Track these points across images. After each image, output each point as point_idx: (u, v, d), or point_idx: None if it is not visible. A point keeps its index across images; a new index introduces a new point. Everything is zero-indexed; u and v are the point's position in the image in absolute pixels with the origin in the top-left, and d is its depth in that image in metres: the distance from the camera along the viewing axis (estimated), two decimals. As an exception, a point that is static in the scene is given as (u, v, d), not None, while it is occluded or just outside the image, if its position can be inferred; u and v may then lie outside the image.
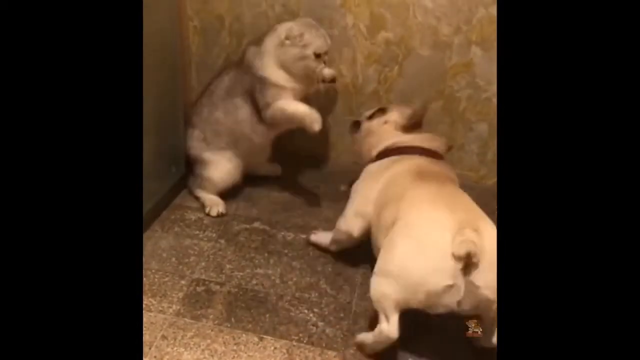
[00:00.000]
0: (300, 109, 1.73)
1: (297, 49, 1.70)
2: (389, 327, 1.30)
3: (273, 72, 1.76)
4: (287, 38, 1.71)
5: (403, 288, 1.27)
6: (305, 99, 1.83)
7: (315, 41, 1.71)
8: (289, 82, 1.76)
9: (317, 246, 1.76)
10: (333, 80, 1.85)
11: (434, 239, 1.25)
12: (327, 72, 1.79)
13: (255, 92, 1.79)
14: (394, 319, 1.30)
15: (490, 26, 1.83)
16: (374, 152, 1.70)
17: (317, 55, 1.71)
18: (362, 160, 1.76)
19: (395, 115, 1.72)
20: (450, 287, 1.21)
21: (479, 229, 1.23)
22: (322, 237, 1.75)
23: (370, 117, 1.78)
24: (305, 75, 1.75)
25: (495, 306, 1.22)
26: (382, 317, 1.32)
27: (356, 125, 1.83)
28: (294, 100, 1.76)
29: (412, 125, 1.69)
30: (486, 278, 1.20)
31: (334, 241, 1.70)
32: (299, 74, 1.75)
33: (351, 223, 1.59)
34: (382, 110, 1.77)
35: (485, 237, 1.22)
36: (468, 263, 1.19)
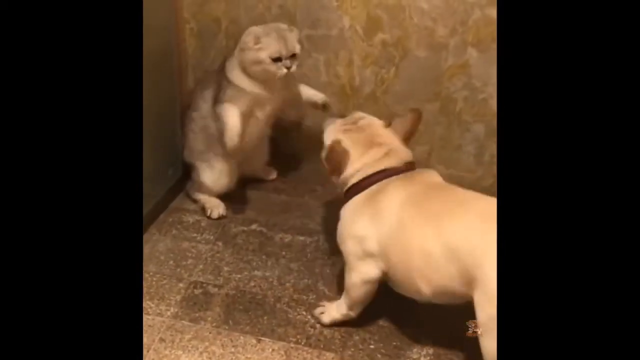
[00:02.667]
0: (230, 121, 1.73)
1: (253, 52, 1.70)
2: None
3: (237, 75, 1.76)
4: (244, 43, 1.71)
5: None
6: (280, 109, 1.87)
7: (272, 45, 1.68)
8: (252, 86, 1.76)
9: (336, 324, 1.51)
10: (324, 106, 1.85)
11: None
12: (315, 95, 1.85)
13: (220, 90, 1.80)
14: None
15: (486, 28, 1.83)
16: (345, 187, 1.51)
17: (275, 60, 1.69)
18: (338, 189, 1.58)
19: (357, 137, 1.53)
20: None
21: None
22: (334, 311, 1.50)
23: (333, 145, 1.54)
24: (267, 79, 1.74)
25: None
26: None
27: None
28: (239, 112, 1.75)
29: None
30: None
31: (353, 304, 1.47)
32: (261, 78, 1.74)
33: (365, 268, 1.40)
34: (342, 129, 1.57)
35: None
36: None
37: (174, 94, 1.99)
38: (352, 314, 1.47)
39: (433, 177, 1.48)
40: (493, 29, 1.81)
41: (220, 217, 1.91)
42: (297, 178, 2.17)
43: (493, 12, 1.80)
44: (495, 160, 1.99)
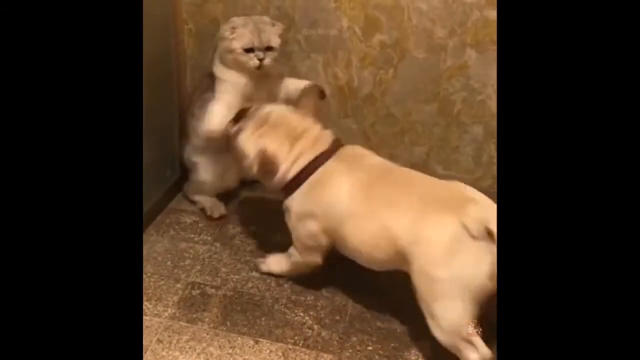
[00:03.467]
0: (214, 108, 1.74)
1: (227, 41, 1.71)
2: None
3: (220, 69, 1.77)
4: (222, 32, 1.73)
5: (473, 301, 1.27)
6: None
7: (245, 36, 1.69)
8: (235, 78, 1.76)
9: (271, 274, 1.66)
10: (321, 92, 1.82)
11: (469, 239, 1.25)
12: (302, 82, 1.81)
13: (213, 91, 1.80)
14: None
15: (484, 29, 1.83)
16: (282, 183, 1.51)
17: (248, 50, 1.69)
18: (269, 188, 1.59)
19: (280, 132, 1.51)
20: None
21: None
22: (274, 265, 1.65)
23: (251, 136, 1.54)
24: (242, 70, 1.73)
25: None
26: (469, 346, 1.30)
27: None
28: (227, 104, 1.74)
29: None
30: None
31: (292, 271, 1.62)
32: (235, 69, 1.74)
33: (311, 257, 1.54)
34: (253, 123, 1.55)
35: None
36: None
37: (173, 94, 1.99)
38: (289, 275, 1.64)
39: (364, 154, 1.52)
40: (492, 30, 1.81)
41: (221, 217, 1.91)
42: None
43: (492, 14, 1.80)
44: (493, 161, 1.99)
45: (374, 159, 1.50)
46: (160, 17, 1.86)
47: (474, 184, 2.01)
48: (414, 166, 2.05)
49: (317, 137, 1.51)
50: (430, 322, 1.32)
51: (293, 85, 1.84)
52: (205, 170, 1.91)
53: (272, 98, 1.81)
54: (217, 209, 1.92)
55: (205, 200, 1.95)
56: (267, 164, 1.48)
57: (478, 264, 1.23)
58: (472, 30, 1.85)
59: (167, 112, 1.96)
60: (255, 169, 1.51)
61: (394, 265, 1.39)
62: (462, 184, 1.39)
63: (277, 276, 1.66)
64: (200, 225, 1.89)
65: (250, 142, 1.51)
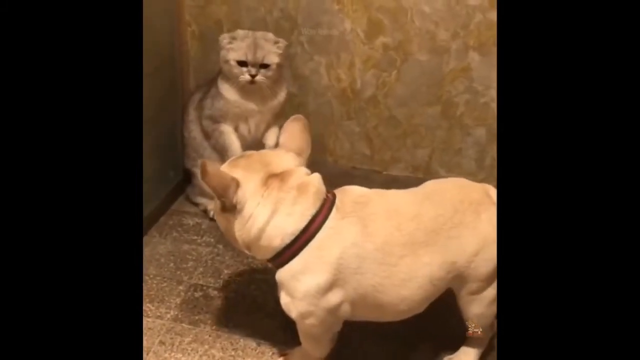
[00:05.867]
0: (232, 146, 1.76)
1: (224, 51, 1.71)
2: None
3: (222, 83, 1.76)
4: (221, 39, 1.72)
5: None
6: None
7: (240, 50, 1.68)
8: (234, 95, 1.75)
9: None
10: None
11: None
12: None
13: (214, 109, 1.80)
14: None
15: (487, 31, 1.83)
16: (273, 251, 1.19)
17: (241, 64, 1.68)
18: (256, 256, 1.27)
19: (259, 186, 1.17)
20: None
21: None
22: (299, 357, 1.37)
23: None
24: (235, 83, 1.72)
25: None
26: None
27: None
28: (233, 129, 1.78)
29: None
30: None
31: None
32: (231, 81, 1.73)
33: (326, 347, 1.31)
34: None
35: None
36: None
37: (176, 96, 2.00)
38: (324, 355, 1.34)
39: (362, 191, 1.25)
40: (495, 33, 1.81)
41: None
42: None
43: (495, 16, 1.80)
44: (496, 163, 1.99)
45: (377, 200, 1.23)
46: (164, 19, 1.87)
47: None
48: (416, 169, 2.07)
49: (305, 186, 1.18)
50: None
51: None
52: None
53: (264, 121, 1.80)
54: None
55: (208, 202, 1.95)
56: (217, 186, 1.14)
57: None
58: (475, 33, 1.85)
59: (170, 114, 1.96)
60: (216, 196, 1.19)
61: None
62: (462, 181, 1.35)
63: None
64: (203, 227, 1.90)
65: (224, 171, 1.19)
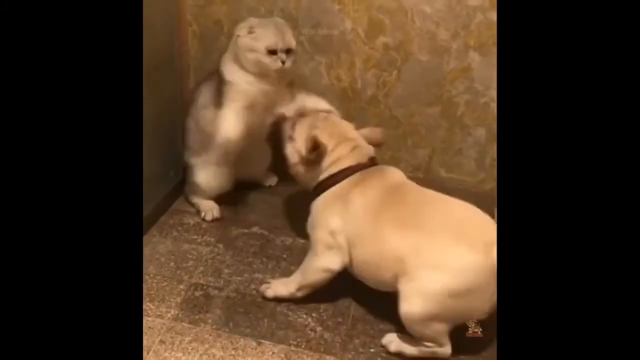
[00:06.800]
0: (229, 116, 1.71)
1: (247, 40, 1.67)
2: (448, 349, 1.39)
3: (229, 68, 1.74)
4: (239, 30, 1.70)
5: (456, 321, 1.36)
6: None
7: (268, 36, 1.66)
8: (247, 81, 1.72)
9: (278, 299, 1.57)
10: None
11: (472, 276, 1.29)
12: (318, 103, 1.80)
13: (221, 96, 1.76)
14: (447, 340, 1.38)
15: (488, 31, 1.84)
16: (313, 182, 1.58)
17: (271, 52, 1.66)
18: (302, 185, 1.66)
19: (324, 134, 1.56)
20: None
21: (490, 242, 1.26)
22: (281, 287, 1.57)
23: (290, 138, 1.62)
24: (261, 71, 1.70)
25: None
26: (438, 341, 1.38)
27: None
28: (241, 108, 1.72)
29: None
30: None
31: (303, 285, 1.54)
32: (253, 70, 1.71)
33: (329, 259, 1.48)
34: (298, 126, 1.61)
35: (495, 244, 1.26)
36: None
37: (176, 96, 2.00)
38: (299, 294, 1.55)
39: (395, 175, 1.55)
40: (495, 33, 1.81)
41: (214, 220, 1.90)
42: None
43: (495, 16, 1.80)
44: (496, 163, 1.99)
45: (400, 180, 1.54)
46: (164, 19, 1.87)
47: (477, 186, 2.03)
48: (416, 168, 2.07)
49: (359, 147, 1.57)
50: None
51: (311, 101, 1.81)
52: (200, 173, 1.91)
53: (273, 107, 1.78)
54: (211, 211, 1.91)
55: (201, 203, 1.94)
56: (315, 151, 1.52)
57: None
58: (475, 33, 1.85)
59: (170, 114, 1.96)
60: (302, 152, 1.56)
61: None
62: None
63: (287, 300, 1.57)
64: (203, 226, 1.90)
65: (303, 129, 1.58)
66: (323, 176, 1.55)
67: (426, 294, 1.30)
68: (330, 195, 1.53)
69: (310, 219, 1.56)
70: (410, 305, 1.32)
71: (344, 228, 1.46)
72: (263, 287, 1.59)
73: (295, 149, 1.59)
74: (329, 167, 1.55)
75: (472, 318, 1.35)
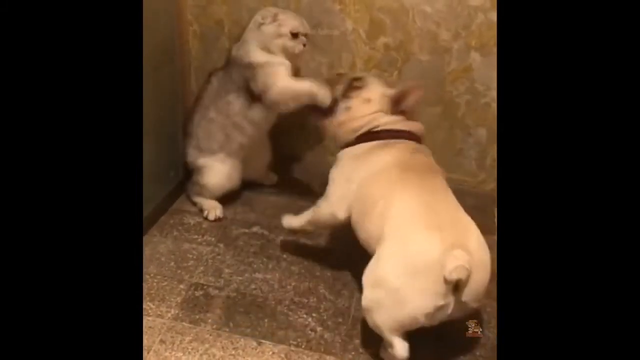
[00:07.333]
0: (306, 86, 1.73)
1: (273, 27, 1.75)
2: (397, 350, 1.32)
3: (258, 54, 1.78)
4: (262, 19, 1.77)
5: (395, 313, 1.29)
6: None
7: (290, 21, 1.75)
8: (277, 59, 1.78)
9: (293, 231, 1.74)
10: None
11: (425, 262, 1.23)
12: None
13: (249, 81, 1.79)
14: (397, 340, 1.32)
15: (489, 32, 1.84)
16: (353, 135, 1.60)
17: (294, 35, 1.75)
18: (337, 142, 1.67)
19: (378, 94, 1.61)
20: (442, 307, 1.24)
21: (468, 247, 1.23)
22: (294, 220, 1.69)
23: (346, 94, 1.65)
24: (285, 55, 1.78)
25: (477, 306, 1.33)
26: (387, 343, 1.35)
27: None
28: (292, 77, 1.79)
29: (398, 108, 1.58)
30: (473, 292, 1.25)
31: (311, 222, 1.64)
32: (280, 54, 1.78)
33: (337, 206, 1.54)
34: (357, 85, 1.64)
35: (474, 251, 1.24)
36: (459, 284, 1.21)
37: (177, 96, 2.00)
38: (309, 228, 1.69)
39: (428, 156, 1.58)
40: (496, 33, 1.81)
41: (217, 219, 1.91)
42: (298, 180, 2.17)
43: (496, 17, 1.80)
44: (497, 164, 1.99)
45: (427, 160, 1.57)
46: (165, 19, 1.87)
47: (477, 187, 2.03)
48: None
49: (411, 120, 1.59)
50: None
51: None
52: (211, 173, 1.92)
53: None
54: (214, 211, 1.92)
55: (204, 202, 1.95)
56: (400, 102, 1.56)
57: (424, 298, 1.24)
58: (476, 33, 1.85)
59: (171, 113, 1.96)
60: (347, 94, 1.61)
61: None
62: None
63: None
64: (203, 226, 1.90)
65: (377, 85, 1.63)
66: (368, 128, 1.58)
67: (379, 259, 1.32)
68: (365, 148, 1.55)
69: (336, 167, 1.60)
70: (369, 267, 1.34)
71: (358, 178, 1.50)
72: (283, 216, 1.71)
73: (369, 96, 1.60)
74: (370, 122, 1.58)
75: (413, 315, 1.27)
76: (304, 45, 1.77)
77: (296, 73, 1.83)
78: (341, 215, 1.53)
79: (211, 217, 1.91)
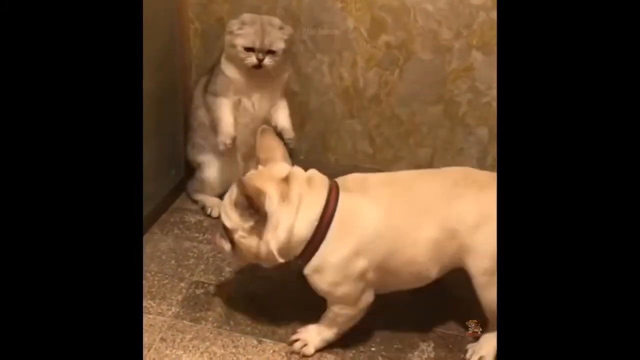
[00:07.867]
0: (222, 114, 1.78)
1: (232, 36, 1.74)
2: None
3: (224, 63, 1.80)
4: (231, 26, 1.76)
5: None
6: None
7: (247, 36, 1.72)
8: (236, 74, 1.79)
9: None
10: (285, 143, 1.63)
11: None
12: (285, 127, 1.83)
13: (213, 84, 1.83)
14: None
15: (490, 31, 1.83)
16: (299, 247, 1.30)
17: (248, 49, 1.72)
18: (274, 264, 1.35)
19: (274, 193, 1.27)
20: None
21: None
22: (318, 340, 1.42)
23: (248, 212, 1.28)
24: (240, 66, 1.77)
25: None
26: None
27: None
28: (229, 102, 1.80)
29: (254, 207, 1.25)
30: None
31: (341, 333, 1.42)
32: (237, 64, 1.77)
33: (365, 300, 1.35)
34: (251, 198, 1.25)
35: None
36: None
37: (178, 94, 2.00)
38: (339, 337, 1.42)
39: (363, 176, 1.39)
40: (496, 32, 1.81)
41: (219, 216, 1.90)
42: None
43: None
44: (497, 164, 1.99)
45: (374, 176, 1.40)
46: (166, 17, 1.87)
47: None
48: (418, 168, 2.06)
49: (309, 179, 1.33)
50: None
51: (283, 119, 1.86)
52: (210, 169, 1.92)
53: (267, 97, 1.84)
54: (217, 208, 1.92)
55: (206, 199, 1.95)
56: (253, 196, 1.23)
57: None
58: (478, 32, 1.85)
59: (172, 112, 1.96)
60: (239, 205, 1.27)
61: (451, 266, 1.36)
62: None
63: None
64: (204, 224, 1.90)
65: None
66: (304, 234, 1.27)
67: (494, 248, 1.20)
68: (334, 241, 1.28)
69: (316, 283, 1.33)
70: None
71: (370, 256, 1.29)
72: (297, 346, 1.41)
73: (235, 202, 1.29)
74: (301, 223, 1.27)
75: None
76: (260, 60, 1.71)
77: (270, 86, 1.83)
78: (372, 298, 1.36)
79: (215, 214, 1.91)
